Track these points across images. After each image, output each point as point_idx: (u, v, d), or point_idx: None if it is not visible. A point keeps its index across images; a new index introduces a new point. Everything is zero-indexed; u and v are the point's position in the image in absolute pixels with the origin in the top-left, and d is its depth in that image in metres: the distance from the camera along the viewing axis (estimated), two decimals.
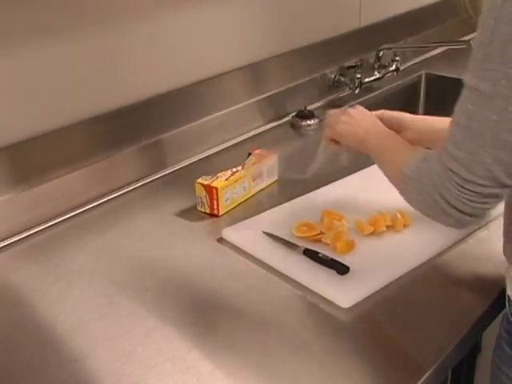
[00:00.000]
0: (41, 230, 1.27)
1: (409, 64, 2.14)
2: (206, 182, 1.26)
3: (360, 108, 1.19)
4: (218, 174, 1.29)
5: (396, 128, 1.16)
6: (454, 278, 1.09)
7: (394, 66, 1.96)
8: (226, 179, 1.27)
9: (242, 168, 1.32)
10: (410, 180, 0.93)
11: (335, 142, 1.21)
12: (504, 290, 1.05)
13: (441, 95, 2.12)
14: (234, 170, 1.31)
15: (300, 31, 1.81)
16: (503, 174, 0.81)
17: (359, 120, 1.15)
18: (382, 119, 1.16)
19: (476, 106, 0.79)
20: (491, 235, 1.19)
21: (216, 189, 1.25)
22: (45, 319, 1.03)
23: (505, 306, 1.05)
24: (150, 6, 1.42)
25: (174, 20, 1.47)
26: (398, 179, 0.96)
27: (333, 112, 1.22)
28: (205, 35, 1.55)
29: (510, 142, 0.79)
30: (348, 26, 1.96)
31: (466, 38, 2.34)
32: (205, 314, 1.02)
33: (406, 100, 2.07)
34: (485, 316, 1.02)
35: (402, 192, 0.96)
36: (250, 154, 1.38)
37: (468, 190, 0.83)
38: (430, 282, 1.09)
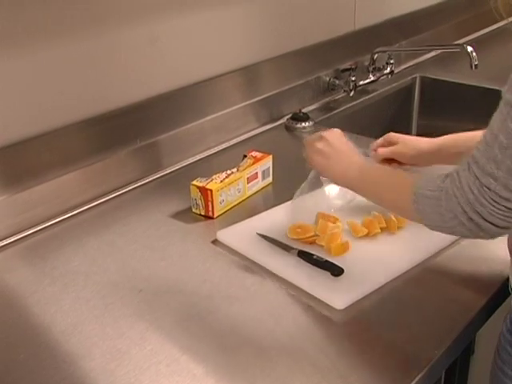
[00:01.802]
0: (36, 232, 1.28)
1: (403, 67, 2.15)
2: (200, 184, 1.27)
3: (339, 135, 1.18)
4: (213, 176, 1.29)
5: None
6: (447, 279, 1.10)
7: (388, 69, 1.97)
8: (221, 181, 1.28)
9: (237, 170, 1.33)
10: (428, 200, 0.92)
11: None
12: (498, 291, 1.06)
13: (435, 98, 2.13)
14: (229, 171, 1.32)
15: (295, 34, 1.82)
16: None
17: (338, 153, 1.14)
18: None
19: None
20: None
21: (211, 191, 1.26)
22: (40, 320, 1.03)
23: (499, 306, 1.06)
24: (146, 9, 1.42)
25: (169, 23, 1.47)
26: (405, 202, 0.96)
27: (309, 139, 1.21)
28: (200, 38, 1.56)
29: None
30: (343, 29, 1.97)
31: (459, 41, 2.37)
32: (199, 317, 1.02)
33: (400, 103, 2.09)
34: (479, 316, 1.02)
35: (417, 213, 0.95)
36: (245, 156, 1.38)
37: (504, 206, 0.83)
38: (424, 283, 1.09)
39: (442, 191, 0.90)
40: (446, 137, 1.24)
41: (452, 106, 2.07)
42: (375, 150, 1.33)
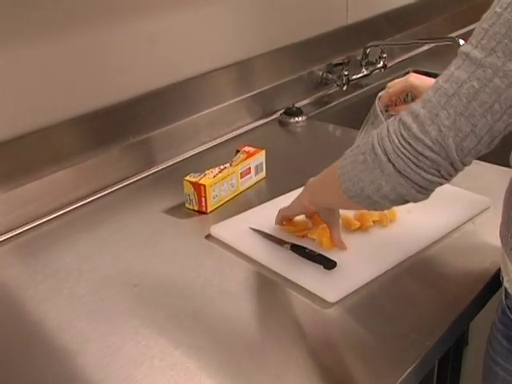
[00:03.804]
0: (28, 229, 1.27)
1: (396, 61, 2.15)
2: (193, 180, 1.27)
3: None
4: (206, 172, 1.29)
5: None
6: (440, 271, 1.11)
7: (381, 63, 1.97)
8: (214, 176, 1.28)
9: (230, 165, 1.33)
10: (347, 159, 0.91)
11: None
12: (489, 282, 1.06)
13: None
14: (222, 167, 1.32)
15: (287, 29, 1.82)
16: (454, 146, 0.79)
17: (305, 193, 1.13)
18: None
19: (459, 70, 0.78)
20: (477, 229, 1.20)
21: (204, 186, 1.26)
22: (34, 317, 1.03)
23: (490, 297, 1.06)
24: (139, 6, 1.42)
25: (161, 19, 1.47)
26: (335, 184, 0.93)
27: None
28: (192, 34, 1.56)
29: (478, 113, 0.77)
30: (335, 23, 1.96)
31: (451, 35, 2.37)
32: (192, 311, 1.03)
33: None
34: (471, 307, 1.03)
35: (341, 183, 0.92)
36: (238, 151, 1.39)
37: (413, 147, 0.80)
38: (416, 275, 1.10)
39: (357, 146, 0.89)
40: None
41: None
42: (392, 102, 1.29)
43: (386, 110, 1.28)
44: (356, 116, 1.86)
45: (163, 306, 1.04)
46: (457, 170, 0.83)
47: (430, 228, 1.18)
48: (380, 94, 1.30)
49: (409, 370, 0.89)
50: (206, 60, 1.61)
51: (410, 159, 0.81)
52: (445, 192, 0.96)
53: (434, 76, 2.10)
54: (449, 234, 1.18)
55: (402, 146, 0.82)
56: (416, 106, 0.82)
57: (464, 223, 1.21)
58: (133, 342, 0.96)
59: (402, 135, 0.82)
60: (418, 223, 1.20)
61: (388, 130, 0.84)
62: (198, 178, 1.27)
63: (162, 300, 1.05)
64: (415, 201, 0.87)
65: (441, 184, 0.85)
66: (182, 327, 0.99)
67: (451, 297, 1.04)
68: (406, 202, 0.88)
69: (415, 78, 1.27)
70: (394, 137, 0.83)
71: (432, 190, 0.86)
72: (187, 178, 1.28)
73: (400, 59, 2.18)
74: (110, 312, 1.03)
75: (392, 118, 0.86)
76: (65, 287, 1.09)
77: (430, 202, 0.91)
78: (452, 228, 1.19)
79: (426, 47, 2.26)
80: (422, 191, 0.85)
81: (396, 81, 1.30)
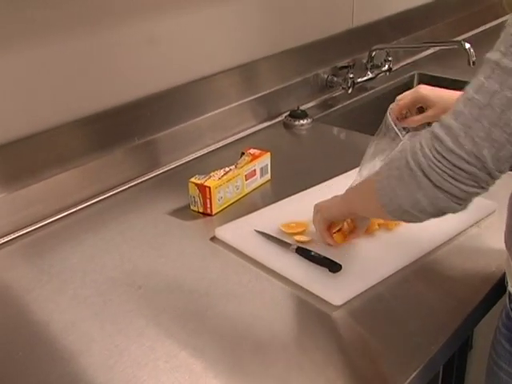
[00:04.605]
0: (34, 230, 1.27)
1: (401, 64, 2.15)
2: (199, 182, 1.27)
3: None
4: (211, 174, 1.29)
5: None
6: (445, 274, 1.10)
7: (386, 66, 1.97)
8: (219, 178, 1.28)
9: (235, 167, 1.33)
10: (384, 174, 0.90)
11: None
12: (495, 286, 1.06)
13: None
14: (227, 169, 1.32)
15: (292, 31, 1.82)
16: (490, 157, 0.78)
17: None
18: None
19: (490, 79, 0.77)
20: (482, 233, 1.20)
21: (209, 188, 1.26)
22: (38, 318, 1.03)
23: (496, 301, 1.06)
24: (144, 7, 1.42)
25: (166, 21, 1.48)
26: (372, 196, 0.93)
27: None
28: (197, 36, 1.56)
29: None
30: (341, 26, 1.97)
31: (456, 38, 2.37)
32: (197, 313, 1.03)
33: None
34: (476, 312, 1.03)
35: (379, 196, 0.91)
36: (243, 153, 1.39)
37: (447, 160, 0.79)
38: (421, 278, 1.10)
39: (392, 158, 0.88)
40: None
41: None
42: (402, 114, 1.30)
43: (396, 124, 1.29)
44: (361, 119, 1.88)
45: (168, 307, 1.04)
46: (494, 179, 0.81)
47: (435, 231, 1.18)
48: (391, 107, 1.29)
49: (414, 374, 0.89)
50: (211, 62, 1.61)
51: (445, 172, 0.80)
52: None
53: (440, 79, 2.11)
54: (454, 238, 1.18)
55: (437, 159, 0.80)
56: (447, 118, 0.81)
57: (469, 227, 1.21)
58: (137, 343, 0.96)
59: (435, 149, 0.81)
60: (423, 226, 1.18)
61: (421, 144, 0.83)
62: (203, 179, 1.27)
63: (167, 302, 1.05)
64: (454, 212, 0.86)
65: (479, 194, 0.83)
66: (187, 329, 0.99)
67: (456, 300, 1.04)
68: (444, 214, 0.87)
69: (425, 89, 1.27)
70: (427, 151, 0.81)
71: (471, 201, 0.84)
72: (192, 179, 1.28)
73: (405, 62, 2.18)
74: (114, 313, 1.03)
75: (424, 131, 0.85)
76: (70, 288, 1.09)
77: None
78: (457, 231, 1.19)
79: (430, 50, 2.26)
80: (461, 202, 0.84)
81: (406, 93, 1.31)
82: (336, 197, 1.12)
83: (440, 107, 1.26)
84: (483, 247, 1.16)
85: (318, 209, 1.14)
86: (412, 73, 2.13)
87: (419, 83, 2.12)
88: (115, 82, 1.42)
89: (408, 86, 2.12)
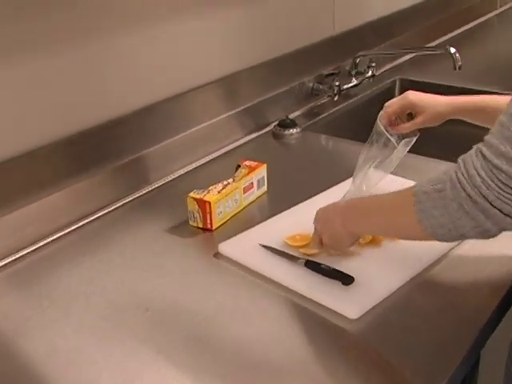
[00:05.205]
0: (27, 254, 1.22)
1: (382, 70, 2.14)
2: (198, 196, 1.23)
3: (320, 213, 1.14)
4: (210, 188, 1.26)
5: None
6: (456, 281, 1.09)
7: (370, 73, 1.97)
8: (219, 192, 1.25)
9: (233, 180, 1.30)
10: (428, 195, 0.89)
11: None
12: (508, 293, 1.04)
13: None
14: (225, 182, 1.28)
15: (275, 41, 1.79)
16: None
17: (329, 222, 1.11)
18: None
19: None
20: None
21: (209, 203, 1.22)
22: (42, 346, 0.98)
23: (509, 307, 1.04)
24: (124, 23, 1.36)
25: (146, 36, 1.41)
26: (406, 211, 0.93)
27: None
28: (181, 49, 1.51)
29: None
30: (323, 33, 1.95)
31: (435, 42, 2.39)
32: (207, 336, 0.98)
33: (381, 105, 2.06)
34: (491, 321, 1.01)
35: (417, 216, 0.91)
36: (239, 165, 1.35)
37: None
38: (433, 287, 1.08)
39: (445, 182, 0.87)
40: (466, 99, 1.22)
41: None
42: (391, 121, 1.30)
43: (386, 130, 1.27)
44: (348, 126, 1.86)
45: (178, 330, 1.00)
46: None
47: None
48: (380, 114, 1.28)
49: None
50: (194, 75, 1.57)
51: None
52: None
53: (422, 84, 2.11)
54: (458, 245, 1.16)
55: (504, 191, 0.81)
56: (501, 144, 0.81)
57: None
58: (149, 370, 0.92)
59: (499, 180, 0.81)
60: None
61: (479, 174, 0.82)
62: (203, 194, 1.24)
63: (176, 325, 1.01)
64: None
65: None
66: (200, 354, 0.95)
67: (471, 308, 1.03)
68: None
69: (413, 95, 1.27)
70: (490, 182, 0.82)
71: None
72: (191, 194, 1.24)
73: (385, 68, 2.17)
74: (122, 338, 0.99)
75: (474, 155, 0.84)
76: (73, 313, 1.05)
77: None
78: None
79: (409, 56, 2.25)
80: None
81: (394, 100, 1.30)
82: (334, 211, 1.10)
83: (429, 113, 1.25)
84: (490, 251, 1.14)
85: (320, 228, 1.12)
86: (393, 78, 2.13)
87: (401, 88, 2.14)
88: (99, 99, 1.36)
89: (390, 91, 2.11)
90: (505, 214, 0.83)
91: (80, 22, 1.28)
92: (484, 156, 0.82)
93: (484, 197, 0.83)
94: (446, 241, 0.93)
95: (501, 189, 0.81)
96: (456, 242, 1.15)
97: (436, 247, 1.14)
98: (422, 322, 1.00)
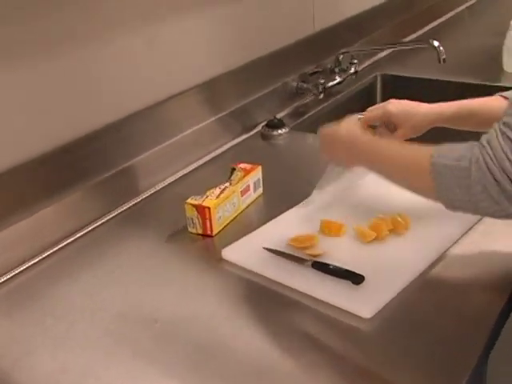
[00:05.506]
0: (21, 271, 1.18)
1: (363, 66, 2.14)
2: (196, 202, 1.21)
3: (350, 121, 1.14)
4: (207, 193, 1.24)
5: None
6: (465, 275, 1.08)
7: (352, 69, 1.96)
8: (217, 197, 1.22)
9: (230, 184, 1.27)
10: (449, 170, 0.88)
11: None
12: None
13: (396, 94, 2.11)
14: (222, 186, 1.26)
15: (255, 42, 1.76)
16: None
17: (348, 136, 1.12)
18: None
19: None
20: (486, 228, 1.18)
21: (208, 208, 1.20)
22: (50, 365, 0.95)
23: None
24: (100, 29, 1.31)
25: (124, 42, 1.36)
26: (420, 175, 0.93)
27: (324, 134, 1.18)
28: (160, 55, 1.47)
29: None
30: (303, 32, 1.93)
31: (412, 36, 2.39)
32: (219, 346, 0.96)
33: (364, 101, 2.07)
34: (503, 311, 1.00)
35: (434, 186, 0.91)
36: (233, 169, 1.33)
37: None
38: (442, 282, 1.07)
39: (469, 161, 0.86)
40: (451, 105, 1.19)
41: (414, 100, 2.07)
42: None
43: None
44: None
45: (187, 343, 0.97)
46: None
47: (446, 231, 1.16)
48: (359, 117, 1.26)
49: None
50: (176, 81, 1.53)
51: None
52: None
53: (402, 79, 2.10)
54: (462, 238, 1.16)
55: None
56: None
57: (477, 223, 1.19)
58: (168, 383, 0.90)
59: None
60: (430, 229, 1.17)
61: (509, 159, 0.82)
62: (201, 200, 1.21)
63: (186, 336, 0.99)
64: None
65: None
66: (209, 367, 0.92)
67: (483, 300, 1.02)
68: None
69: (393, 106, 1.23)
70: None
71: None
72: (189, 201, 1.22)
73: (365, 64, 2.16)
74: (134, 352, 0.96)
75: (502, 141, 0.84)
76: (80, 329, 1.01)
77: (434, 206, 0.95)
78: (465, 230, 1.17)
79: (389, 50, 2.25)
80: None
81: (376, 107, 1.28)
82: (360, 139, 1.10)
83: (409, 126, 1.22)
84: (494, 243, 1.14)
85: (325, 142, 1.16)
86: (374, 74, 2.13)
87: (383, 83, 2.14)
88: (81, 109, 1.30)
89: (373, 87, 2.12)
90: None
91: (50, 32, 1.21)
92: (510, 139, 0.82)
93: (509, 177, 0.82)
94: (460, 211, 0.93)
95: None
96: (459, 234, 1.15)
97: (441, 241, 1.14)
98: (440, 315, 0.99)
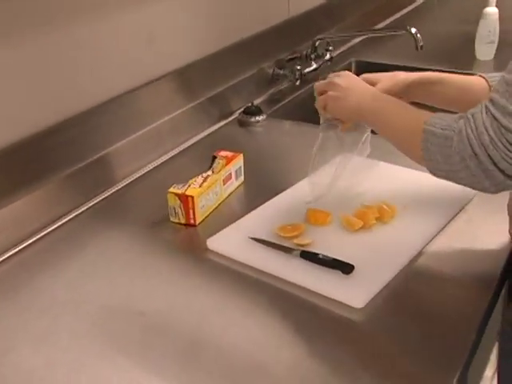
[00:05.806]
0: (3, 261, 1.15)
1: (337, 52, 2.12)
2: (179, 191, 1.18)
3: (347, 74, 1.13)
4: (190, 182, 1.21)
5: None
6: (454, 262, 1.08)
7: (328, 56, 1.94)
8: (200, 186, 1.20)
9: (213, 172, 1.25)
10: (436, 138, 0.90)
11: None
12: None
13: None
14: (205, 175, 1.24)
15: (230, 28, 1.73)
16: None
17: (349, 89, 1.10)
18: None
19: None
20: (471, 218, 1.18)
21: (192, 197, 1.17)
22: (37, 360, 0.92)
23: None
24: (67, 13, 1.25)
25: (92, 27, 1.31)
26: (413, 140, 0.93)
27: (319, 84, 1.16)
28: (133, 41, 1.42)
29: None
30: (278, 17, 1.91)
31: (383, 23, 2.39)
32: (208, 339, 0.94)
33: None
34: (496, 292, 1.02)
35: (422, 153, 0.92)
36: (214, 157, 1.31)
37: None
38: (430, 270, 1.07)
39: (453, 131, 0.88)
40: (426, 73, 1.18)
41: None
42: None
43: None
44: (313, 109, 1.83)
45: (177, 336, 0.95)
46: None
47: (432, 218, 1.16)
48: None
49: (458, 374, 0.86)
50: (150, 67, 1.49)
51: None
52: (430, 185, 1.09)
53: (377, 65, 2.10)
54: (453, 220, 1.16)
55: (510, 151, 0.82)
56: (509, 104, 0.81)
57: (458, 212, 1.19)
58: (159, 377, 0.88)
59: (507, 140, 0.82)
60: (416, 217, 1.17)
61: (488, 133, 0.83)
62: (184, 189, 1.19)
63: (175, 328, 0.97)
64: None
65: None
66: (199, 360, 0.91)
67: (473, 286, 1.03)
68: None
69: (387, 82, 1.21)
70: (497, 142, 0.83)
71: None
72: (171, 189, 1.19)
73: (340, 50, 2.15)
74: (124, 345, 0.94)
75: (483, 111, 0.85)
76: (65, 323, 0.98)
77: (419, 195, 1.03)
78: (454, 214, 1.17)
79: (361, 37, 2.24)
80: None
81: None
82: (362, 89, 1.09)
83: (387, 79, 1.20)
84: (479, 226, 1.15)
85: (325, 98, 1.12)
86: (349, 60, 2.12)
87: (357, 70, 2.13)
88: (52, 97, 1.25)
89: None
90: (507, 176, 0.84)
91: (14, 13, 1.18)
92: (493, 115, 0.83)
93: (490, 157, 0.84)
94: (443, 179, 0.95)
95: (507, 149, 0.82)
96: (445, 221, 1.15)
97: (427, 228, 1.14)
98: (432, 302, 1.00)
